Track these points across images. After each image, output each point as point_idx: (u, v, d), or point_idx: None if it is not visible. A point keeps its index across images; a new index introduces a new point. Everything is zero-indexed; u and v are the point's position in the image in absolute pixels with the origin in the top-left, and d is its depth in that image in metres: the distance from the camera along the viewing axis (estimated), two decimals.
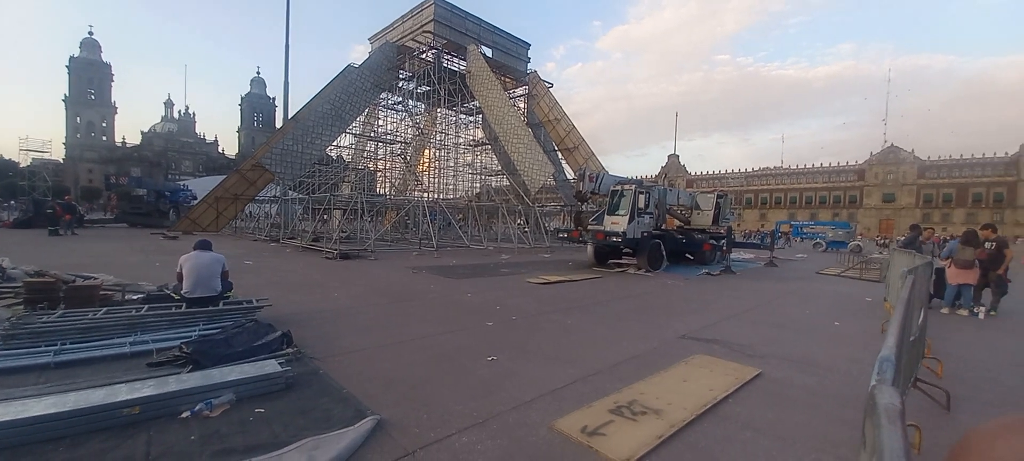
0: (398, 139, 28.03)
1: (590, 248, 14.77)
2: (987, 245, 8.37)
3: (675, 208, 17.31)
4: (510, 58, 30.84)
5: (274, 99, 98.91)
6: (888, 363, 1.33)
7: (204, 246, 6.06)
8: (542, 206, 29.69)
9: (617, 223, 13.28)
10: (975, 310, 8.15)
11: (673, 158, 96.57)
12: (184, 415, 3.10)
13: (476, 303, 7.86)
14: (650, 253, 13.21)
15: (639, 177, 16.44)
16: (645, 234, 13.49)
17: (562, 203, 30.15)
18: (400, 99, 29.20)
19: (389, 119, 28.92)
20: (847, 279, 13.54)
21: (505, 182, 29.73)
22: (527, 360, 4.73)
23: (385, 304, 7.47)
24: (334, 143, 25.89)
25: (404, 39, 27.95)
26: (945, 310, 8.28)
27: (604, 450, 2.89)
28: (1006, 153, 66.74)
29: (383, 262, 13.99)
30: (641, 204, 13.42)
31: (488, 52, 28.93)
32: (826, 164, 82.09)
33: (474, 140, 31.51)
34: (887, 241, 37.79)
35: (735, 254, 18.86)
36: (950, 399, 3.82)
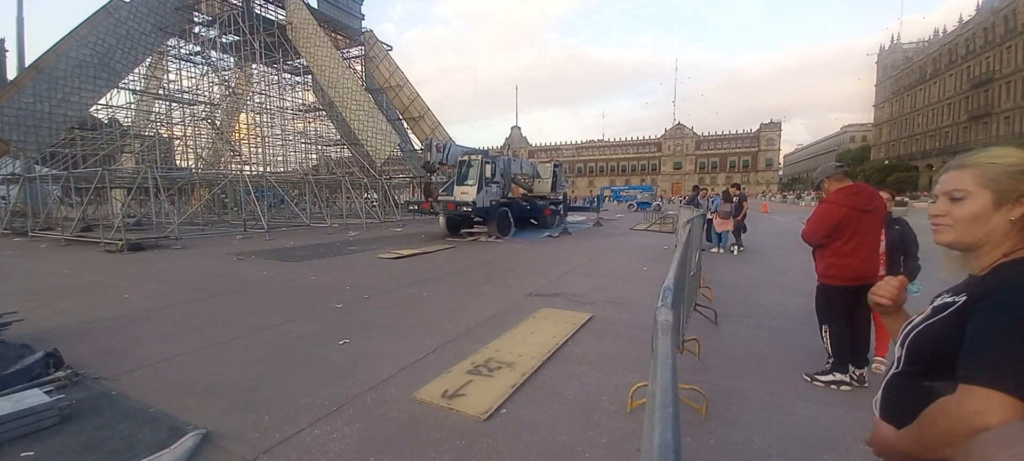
0: (201, 99, 22.86)
1: (442, 219, 14.84)
2: (735, 199, 11.22)
3: (519, 177, 18.47)
4: (340, 12, 27.51)
5: (3, 42, 68.43)
6: (668, 291, 1.69)
7: None
8: (390, 178, 28.26)
9: (466, 193, 13.57)
10: (731, 248, 10.94)
11: (515, 129, 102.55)
12: None
13: (321, 286, 7.21)
14: (499, 220, 13.95)
15: (486, 148, 16.97)
16: (493, 202, 14.12)
17: (411, 175, 29.21)
18: (199, 49, 23.75)
19: (185, 74, 23.25)
20: (652, 233, 16.59)
21: (347, 153, 27.27)
22: (383, 337, 4.58)
23: (201, 300, 6.27)
24: (102, 101, 19.85)
25: None
26: (714, 250, 10.86)
27: (464, 409, 3.03)
28: (751, 130, 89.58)
29: (195, 250, 11.63)
30: (488, 174, 13.94)
31: (313, 2, 25.44)
32: (635, 137, 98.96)
33: (305, 104, 27.86)
34: (680, 200, 47.51)
35: (571, 217, 21.22)
36: (717, 316, 5.09)
